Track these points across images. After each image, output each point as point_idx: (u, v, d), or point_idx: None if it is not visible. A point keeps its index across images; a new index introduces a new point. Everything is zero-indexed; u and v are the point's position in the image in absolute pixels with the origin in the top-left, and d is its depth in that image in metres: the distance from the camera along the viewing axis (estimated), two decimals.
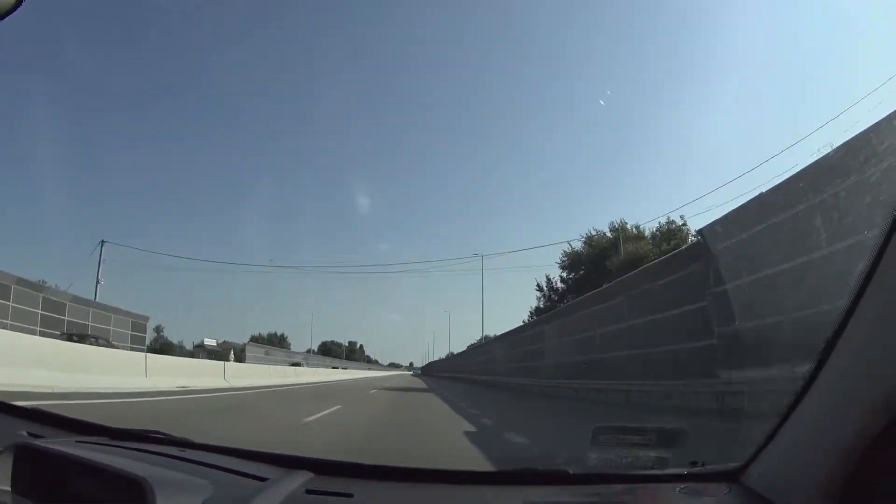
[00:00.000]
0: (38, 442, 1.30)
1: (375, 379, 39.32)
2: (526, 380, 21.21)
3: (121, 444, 1.42)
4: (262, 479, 1.15)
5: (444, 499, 1.23)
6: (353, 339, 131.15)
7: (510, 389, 21.81)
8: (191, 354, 40.15)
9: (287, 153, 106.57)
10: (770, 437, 1.03)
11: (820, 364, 0.86)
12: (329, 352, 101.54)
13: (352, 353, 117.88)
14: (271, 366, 29.61)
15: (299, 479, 1.18)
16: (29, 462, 1.12)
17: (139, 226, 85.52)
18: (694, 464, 1.29)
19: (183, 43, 78.80)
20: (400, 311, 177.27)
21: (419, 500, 1.21)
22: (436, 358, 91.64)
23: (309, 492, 1.12)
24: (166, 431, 1.64)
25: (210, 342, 49.91)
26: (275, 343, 79.14)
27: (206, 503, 0.97)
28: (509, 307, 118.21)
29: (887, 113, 5.37)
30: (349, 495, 1.10)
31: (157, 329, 54.25)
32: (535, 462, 1.56)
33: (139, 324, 34.29)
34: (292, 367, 32.52)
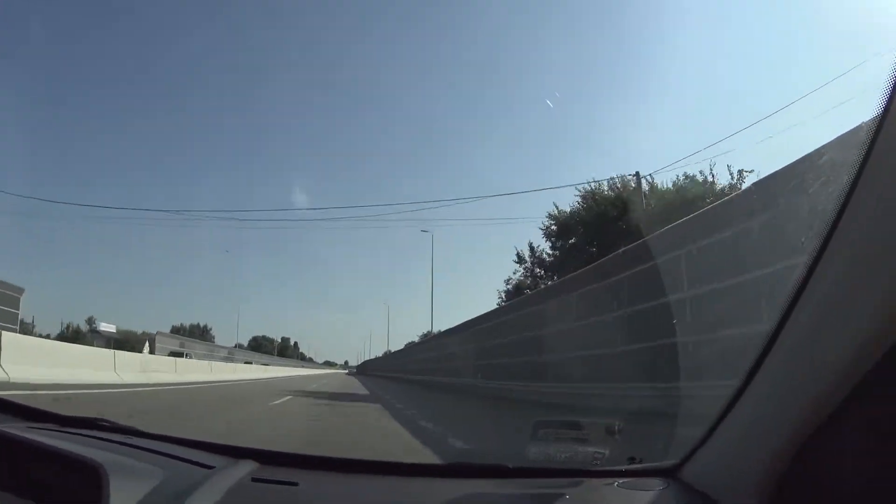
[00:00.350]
0: None
1: (302, 378, 35.10)
2: (482, 382, 19.59)
3: (70, 430, 1.45)
4: (209, 467, 1.18)
5: (385, 490, 1.24)
6: (288, 336, 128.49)
7: (462, 392, 19.53)
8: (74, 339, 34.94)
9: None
10: (707, 436, 1.05)
11: (756, 367, 0.89)
12: (259, 347, 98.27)
13: (285, 350, 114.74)
14: (176, 359, 22.89)
15: (246, 468, 1.20)
16: None
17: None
18: (632, 460, 1.31)
19: None
20: (338, 309, 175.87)
21: (362, 490, 1.22)
22: (372, 356, 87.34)
23: (255, 480, 1.14)
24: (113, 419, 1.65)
25: (108, 328, 44.47)
26: (197, 335, 74.47)
27: (158, 489, 1.00)
28: (474, 290, 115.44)
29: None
30: (294, 484, 1.13)
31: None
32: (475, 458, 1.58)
33: (10, 297, 28.51)
34: (206, 363, 27.98)
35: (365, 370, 75.18)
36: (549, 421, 1.51)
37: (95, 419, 1.59)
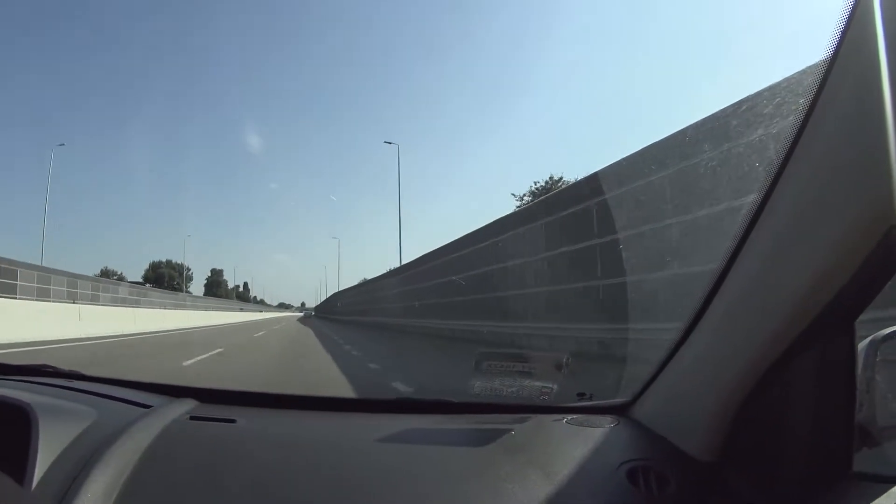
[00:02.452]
0: None
1: (236, 328, 26.10)
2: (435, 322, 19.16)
3: (8, 377, 1.44)
4: (147, 407, 1.18)
5: (325, 425, 1.24)
6: (235, 278, 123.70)
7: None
8: None
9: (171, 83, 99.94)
10: (657, 373, 1.05)
11: (705, 305, 0.88)
12: (212, 289, 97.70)
13: (224, 291, 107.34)
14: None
15: (184, 407, 1.21)
16: None
17: None
18: (581, 396, 1.30)
19: None
20: (293, 248, 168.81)
21: (300, 425, 1.23)
22: (331, 295, 74.45)
23: (193, 418, 1.16)
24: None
25: None
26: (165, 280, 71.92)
27: (91, 428, 1.00)
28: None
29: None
30: (232, 421, 1.14)
31: None
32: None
33: None
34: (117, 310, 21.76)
35: (328, 312, 63.79)
36: (493, 353, 1.45)
37: (38, 366, 1.59)
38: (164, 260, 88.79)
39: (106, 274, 66.01)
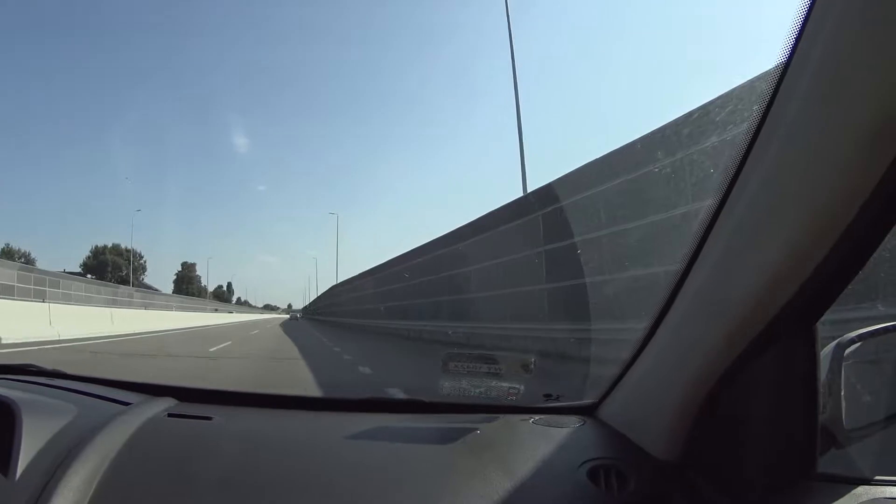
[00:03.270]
0: None
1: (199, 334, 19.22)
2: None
3: None
4: (128, 405, 1.21)
5: (299, 423, 1.27)
6: (222, 280, 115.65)
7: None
8: None
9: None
10: (622, 374, 1.07)
11: (667, 306, 0.89)
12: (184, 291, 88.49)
13: (218, 296, 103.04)
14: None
15: (163, 405, 1.23)
16: None
17: None
18: (548, 397, 1.32)
19: None
20: (280, 250, 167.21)
21: (275, 423, 1.24)
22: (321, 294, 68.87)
23: (170, 415, 1.18)
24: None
25: None
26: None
27: (71, 423, 1.03)
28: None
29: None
30: (208, 418, 1.17)
31: None
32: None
33: None
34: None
35: (316, 314, 59.75)
36: (460, 353, 1.44)
37: (23, 365, 1.61)
38: (108, 245, 73.37)
39: (8, 253, 53.61)
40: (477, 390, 1.34)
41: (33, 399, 1.14)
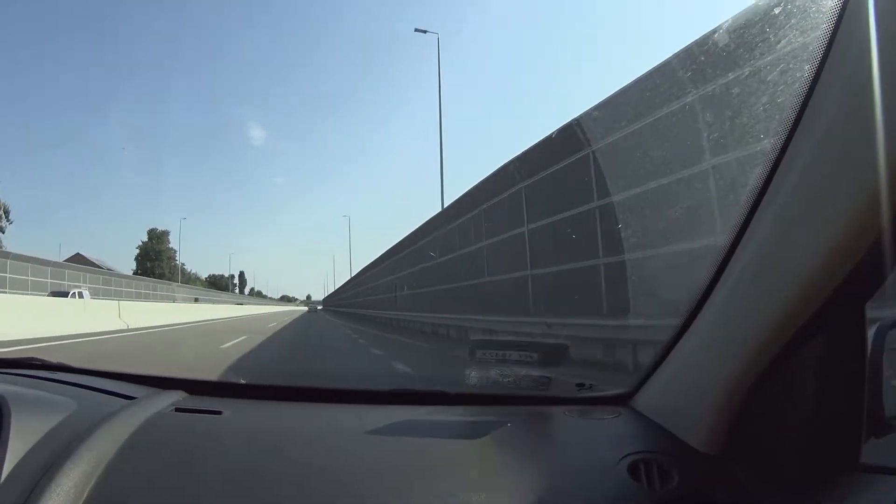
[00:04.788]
0: None
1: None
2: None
3: None
4: (132, 398, 1.19)
5: (315, 416, 1.22)
6: (234, 270, 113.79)
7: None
8: None
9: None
10: (659, 361, 1.04)
11: (711, 285, 0.86)
12: (215, 284, 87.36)
13: (215, 283, 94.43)
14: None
15: (170, 398, 1.22)
16: None
17: None
18: (580, 386, 1.29)
19: None
20: (298, 240, 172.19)
21: (289, 417, 1.22)
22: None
23: (178, 409, 1.16)
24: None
25: None
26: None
27: (68, 419, 1.00)
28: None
29: None
30: (218, 412, 1.14)
31: None
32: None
33: None
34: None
35: (338, 305, 58.20)
36: (489, 341, 1.40)
37: (24, 359, 1.61)
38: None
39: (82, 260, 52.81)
40: (506, 380, 1.33)
41: (27, 394, 1.11)
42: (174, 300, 45.21)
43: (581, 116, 8.80)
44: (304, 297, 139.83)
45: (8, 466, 0.84)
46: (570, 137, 9.03)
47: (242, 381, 1.46)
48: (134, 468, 0.90)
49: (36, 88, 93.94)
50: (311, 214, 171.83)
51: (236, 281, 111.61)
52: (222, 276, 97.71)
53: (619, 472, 0.85)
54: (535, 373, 1.33)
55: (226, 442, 1.03)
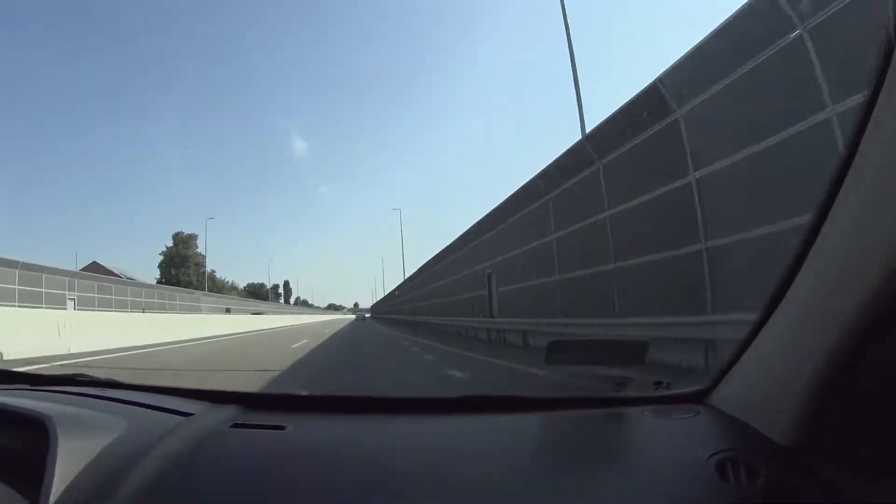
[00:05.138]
0: None
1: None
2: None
3: (39, 388, 1.55)
4: (186, 415, 1.24)
5: (385, 429, 1.26)
6: (279, 279, 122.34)
7: None
8: None
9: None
10: (738, 355, 1.09)
11: (794, 269, 0.90)
12: (254, 293, 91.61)
13: (254, 292, 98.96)
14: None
15: (226, 414, 1.27)
16: None
17: None
18: (658, 385, 1.36)
19: None
20: (345, 250, 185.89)
21: (355, 430, 1.25)
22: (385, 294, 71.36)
23: (236, 425, 1.20)
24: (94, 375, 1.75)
25: None
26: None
27: (118, 440, 1.04)
28: None
29: None
30: (280, 427, 1.18)
31: None
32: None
33: None
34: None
35: (387, 312, 60.82)
36: (567, 342, 1.49)
37: (72, 375, 1.68)
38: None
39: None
40: (582, 381, 1.43)
41: (75, 413, 1.15)
42: (199, 311, 47.05)
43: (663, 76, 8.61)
44: (351, 306, 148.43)
45: (56, 491, 0.89)
46: (652, 102, 8.87)
47: (303, 394, 1.49)
48: (191, 491, 0.93)
49: (90, 100, 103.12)
50: (358, 222, 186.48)
51: (281, 290, 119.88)
52: (262, 285, 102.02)
53: (708, 472, 0.92)
54: (614, 373, 1.41)
55: (291, 459, 1.06)
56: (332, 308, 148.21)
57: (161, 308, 42.04)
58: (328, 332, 25.69)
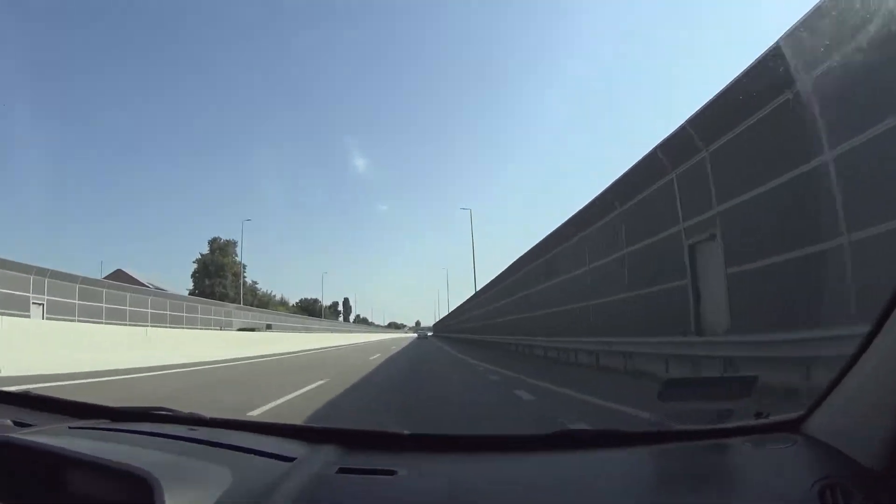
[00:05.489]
0: (20, 434, 1.43)
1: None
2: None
3: (120, 426, 1.65)
4: (287, 459, 1.31)
5: (498, 470, 1.35)
6: (338, 297, 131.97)
7: None
8: None
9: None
10: (836, 381, 1.24)
11: None
12: (307, 310, 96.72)
13: (306, 308, 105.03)
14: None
15: (329, 456, 1.34)
16: (12, 458, 1.23)
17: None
18: (759, 415, 1.53)
19: None
20: (406, 267, 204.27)
21: (471, 472, 1.33)
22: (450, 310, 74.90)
23: (342, 470, 1.25)
24: (172, 407, 1.87)
25: None
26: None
27: (227, 495, 1.08)
28: None
29: None
30: (391, 472, 1.23)
31: None
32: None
33: None
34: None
35: (452, 331, 63.65)
36: (681, 380, 1.67)
37: (152, 409, 1.81)
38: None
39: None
40: (687, 415, 1.61)
41: (174, 463, 1.21)
42: (230, 326, 48.25)
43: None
44: (412, 324, 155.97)
45: None
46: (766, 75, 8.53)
47: (407, 433, 1.52)
48: None
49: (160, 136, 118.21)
50: (421, 238, 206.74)
51: (340, 308, 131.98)
52: (315, 301, 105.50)
53: (811, 501, 1.03)
54: (717, 405, 1.60)
55: None
56: (393, 326, 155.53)
57: (188, 322, 44.06)
58: (375, 361, 20.81)
